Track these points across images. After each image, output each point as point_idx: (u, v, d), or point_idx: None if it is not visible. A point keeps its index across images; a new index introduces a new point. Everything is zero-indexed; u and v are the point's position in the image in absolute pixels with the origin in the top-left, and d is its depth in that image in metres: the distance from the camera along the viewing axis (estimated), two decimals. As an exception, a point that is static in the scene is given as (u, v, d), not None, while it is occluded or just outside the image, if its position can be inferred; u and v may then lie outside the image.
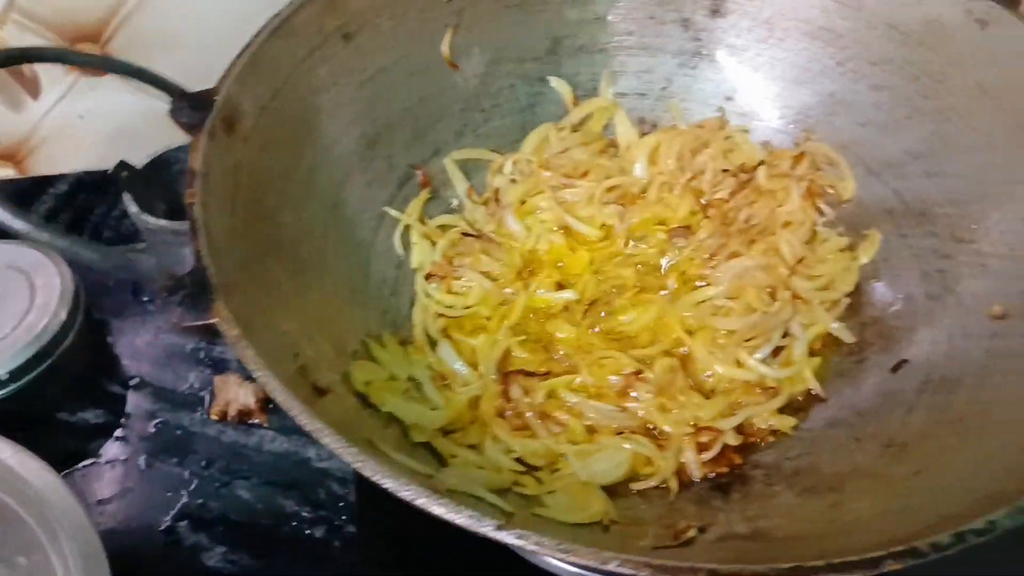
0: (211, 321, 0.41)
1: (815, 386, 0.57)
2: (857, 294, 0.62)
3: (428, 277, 0.64)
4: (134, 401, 0.71)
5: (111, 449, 0.68)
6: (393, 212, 0.65)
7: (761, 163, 0.67)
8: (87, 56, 0.48)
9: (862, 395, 0.56)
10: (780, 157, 0.67)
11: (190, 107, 0.51)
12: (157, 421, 0.69)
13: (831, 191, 0.66)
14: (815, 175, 0.65)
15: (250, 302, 0.46)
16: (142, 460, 0.68)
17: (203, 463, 0.67)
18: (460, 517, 0.37)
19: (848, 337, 0.59)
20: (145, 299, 0.80)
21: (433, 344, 0.60)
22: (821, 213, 0.66)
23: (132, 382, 0.72)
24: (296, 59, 0.58)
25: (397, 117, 0.66)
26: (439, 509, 0.37)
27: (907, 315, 0.59)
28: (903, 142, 0.62)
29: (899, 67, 0.62)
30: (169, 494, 0.65)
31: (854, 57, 0.64)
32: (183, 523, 0.63)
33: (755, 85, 0.69)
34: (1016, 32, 0.56)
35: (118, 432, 0.69)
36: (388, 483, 0.38)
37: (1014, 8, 0.57)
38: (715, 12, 0.68)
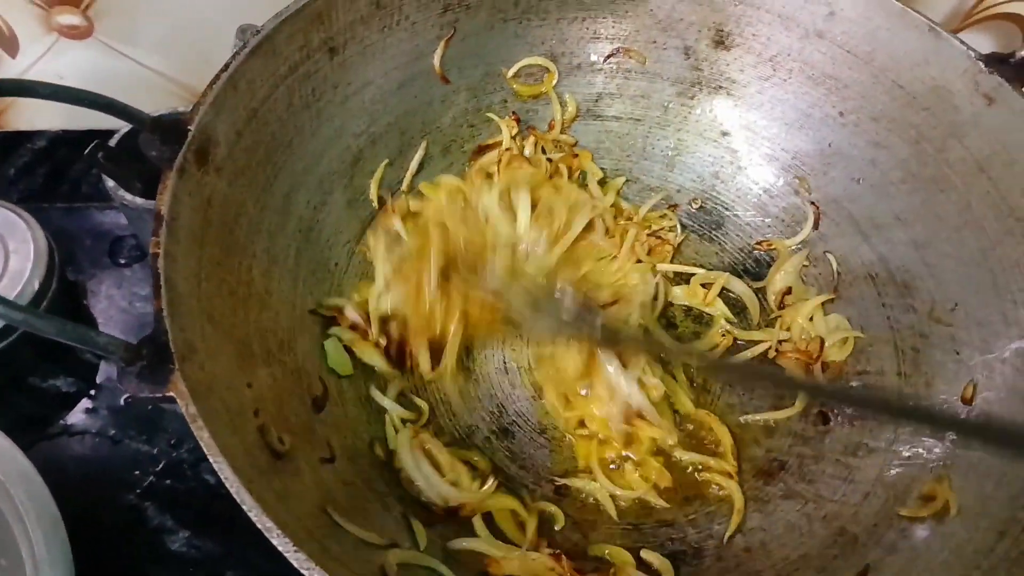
0: (168, 395, 0.41)
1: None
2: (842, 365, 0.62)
3: None
4: (106, 371, 0.70)
5: (80, 420, 0.68)
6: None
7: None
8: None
9: (821, 467, 0.57)
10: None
11: (160, 140, 0.48)
12: (128, 395, 0.69)
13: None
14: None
15: (212, 356, 0.45)
16: (111, 434, 0.67)
17: (172, 442, 0.67)
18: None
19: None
20: (122, 262, 0.79)
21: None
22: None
23: (105, 351, 0.72)
24: (277, 77, 0.55)
25: (382, 131, 0.64)
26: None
27: (878, 389, 0.58)
28: (894, 205, 0.61)
29: (901, 128, 0.60)
30: (136, 472, 0.65)
31: (856, 110, 0.62)
32: (148, 503, 0.64)
33: (753, 123, 0.67)
34: (1022, 114, 0.54)
35: (88, 404, 0.69)
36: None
37: (1020, 87, 0.55)
38: (719, 44, 0.65)
